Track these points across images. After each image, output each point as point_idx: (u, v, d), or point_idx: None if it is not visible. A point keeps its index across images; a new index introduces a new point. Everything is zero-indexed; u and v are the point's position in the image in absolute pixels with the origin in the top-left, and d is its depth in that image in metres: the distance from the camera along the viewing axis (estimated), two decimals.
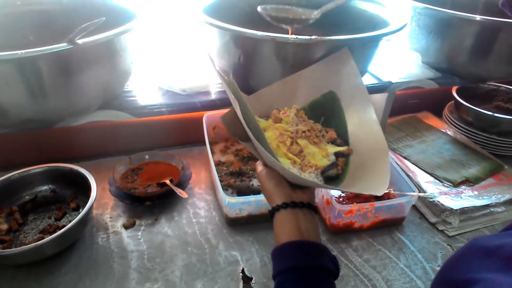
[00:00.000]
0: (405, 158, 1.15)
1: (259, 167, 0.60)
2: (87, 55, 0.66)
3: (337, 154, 0.62)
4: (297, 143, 0.59)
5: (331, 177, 0.59)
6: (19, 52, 0.58)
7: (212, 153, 1.14)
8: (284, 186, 0.55)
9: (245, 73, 0.78)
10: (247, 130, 0.53)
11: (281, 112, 0.64)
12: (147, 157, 1.08)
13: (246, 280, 0.80)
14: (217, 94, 0.81)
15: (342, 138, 0.65)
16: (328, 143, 0.63)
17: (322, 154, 0.60)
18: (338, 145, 0.63)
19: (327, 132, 0.65)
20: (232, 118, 0.58)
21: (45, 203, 0.97)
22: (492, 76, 0.98)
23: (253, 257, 0.85)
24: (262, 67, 0.75)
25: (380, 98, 1.11)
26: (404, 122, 1.34)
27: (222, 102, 0.79)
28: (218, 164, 1.09)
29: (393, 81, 0.91)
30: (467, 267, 0.39)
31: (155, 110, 0.76)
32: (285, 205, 0.53)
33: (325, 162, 0.59)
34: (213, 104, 0.79)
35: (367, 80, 0.90)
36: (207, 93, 0.82)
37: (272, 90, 0.67)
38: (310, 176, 0.57)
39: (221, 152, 1.15)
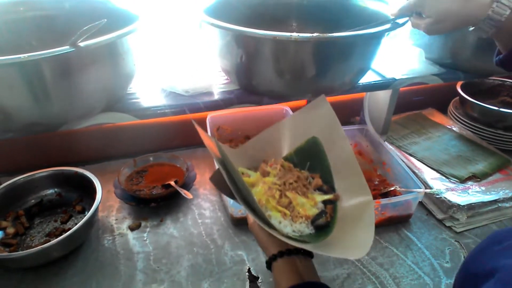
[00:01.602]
0: (410, 155, 1.14)
1: (250, 219, 0.61)
2: (90, 58, 0.66)
3: (325, 201, 0.64)
4: (285, 195, 0.61)
5: (322, 226, 0.60)
6: (22, 56, 0.58)
7: None
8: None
9: (248, 72, 0.78)
10: (234, 192, 0.54)
11: (268, 164, 0.66)
12: (151, 159, 1.08)
13: (253, 279, 0.80)
14: (220, 95, 0.80)
15: (328, 183, 0.67)
16: (315, 190, 0.66)
17: (311, 204, 0.62)
18: (325, 192, 0.66)
19: (313, 178, 0.67)
20: (219, 178, 0.59)
21: (51, 207, 0.98)
22: (497, 70, 0.97)
23: (259, 257, 0.85)
24: (264, 66, 0.75)
25: (384, 95, 1.10)
26: (409, 119, 1.33)
27: (225, 102, 0.79)
28: None
29: (397, 78, 0.90)
30: (488, 259, 0.39)
31: (159, 112, 0.76)
32: (281, 254, 0.53)
33: (314, 211, 0.61)
34: (216, 105, 0.79)
35: (370, 77, 0.89)
36: (210, 93, 0.81)
37: (258, 141, 0.70)
38: (299, 226, 0.59)
39: None
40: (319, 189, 0.66)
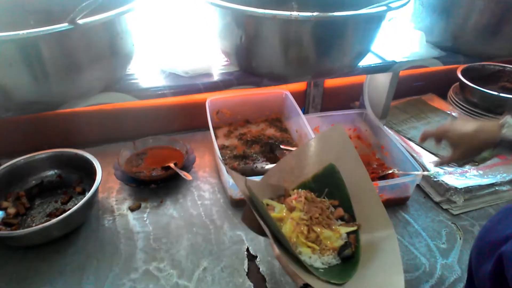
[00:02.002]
0: (409, 139, 1.14)
1: (276, 251, 0.63)
2: (88, 36, 0.65)
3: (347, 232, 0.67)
4: (313, 230, 0.64)
5: (348, 257, 0.63)
6: (21, 32, 0.58)
7: (216, 137, 1.14)
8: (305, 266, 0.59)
9: (247, 53, 0.77)
10: (265, 228, 0.57)
11: (293, 198, 0.68)
12: (151, 141, 1.09)
13: (251, 258, 0.81)
14: (219, 76, 0.80)
15: (348, 211, 0.70)
16: (337, 219, 0.68)
17: (336, 236, 0.64)
18: (346, 221, 0.69)
19: (334, 208, 0.70)
20: (250, 216, 0.63)
21: (51, 188, 0.99)
22: (498, 54, 0.96)
23: (258, 237, 0.86)
24: (264, 47, 0.74)
25: (384, 80, 1.10)
26: (409, 104, 1.33)
27: (224, 84, 0.79)
28: (222, 148, 1.09)
29: (397, 61, 0.90)
30: (505, 227, 0.41)
31: (158, 92, 0.76)
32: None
33: (339, 243, 0.64)
34: (216, 86, 0.78)
35: (371, 60, 0.89)
36: (209, 75, 0.81)
37: (277, 170, 0.72)
38: (327, 258, 0.62)
39: (224, 137, 1.15)
40: (341, 218, 0.69)
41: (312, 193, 0.71)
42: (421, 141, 0.83)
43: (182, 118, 1.22)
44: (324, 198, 0.72)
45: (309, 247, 0.62)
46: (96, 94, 0.74)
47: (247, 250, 0.83)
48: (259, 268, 0.79)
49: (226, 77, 0.81)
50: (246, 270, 0.78)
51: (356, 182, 0.70)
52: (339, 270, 0.62)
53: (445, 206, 0.94)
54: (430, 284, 0.76)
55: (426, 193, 0.98)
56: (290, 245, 0.58)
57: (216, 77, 0.80)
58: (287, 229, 0.64)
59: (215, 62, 0.86)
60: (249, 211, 0.63)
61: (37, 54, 0.62)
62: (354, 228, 0.67)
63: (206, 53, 0.86)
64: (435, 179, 0.96)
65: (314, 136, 0.74)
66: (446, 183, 0.94)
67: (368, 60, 0.89)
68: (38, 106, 0.70)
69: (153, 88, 0.77)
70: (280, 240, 0.59)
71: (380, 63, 0.90)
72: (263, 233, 0.63)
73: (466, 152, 0.72)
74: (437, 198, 0.95)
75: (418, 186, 1.00)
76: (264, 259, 0.81)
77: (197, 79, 0.79)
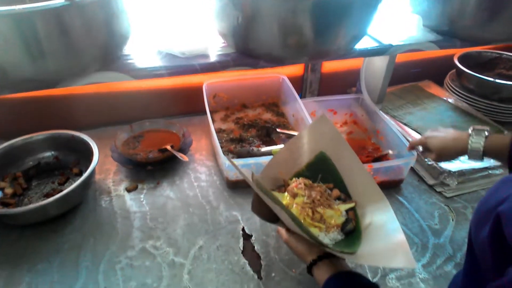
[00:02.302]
0: (405, 124, 1.15)
1: (284, 235, 0.68)
2: (84, 13, 0.65)
3: (346, 209, 0.72)
4: (316, 211, 0.68)
5: (350, 231, 0.68)
6: (16, 7, 0.58)
7: (213, 121, 1.15)
8: (314, 244, 0.64)
9: (244, 35, 0.77)
10: (278, 212, 0.61)
11: (293, 185, 0.72)
12: (148, 124, 1.09)
13: (246, 237, 0.82)
14: (217, 57, 0.80)
15: (343, 191, 0.75)
16: (335, 200, 0.73)
17: (338, 214, 0.70)
18: (343, 200, 0.74)
19: (331, 190, 0.75)
20: (257, 205, 0.69)
21: (48, 169, 0.99)
22: (495, 38, 0.97)
23: (253, 217, 0.87)
24: (261, 28, 0.74)
25: (381, 65, 1.10)
26: (405, 90, 1.33)
27: (221, 65, 0.79)
28: (218, 131, 1.10)
29: (394, 44, 0.90)
30: (500, 194, 0.43)
31: (154, 72, 0.76)
32: (320, 258, 0.61)
33: (341, 220, 0.69)
34: (213, 67, 0.79)
35: (367, 43, 0.89)
36: (206, 56, 0.81)
37: (273, 164, 0.77)
38: (333, 235, 0.67)
39: (221, 120, 1.15)
40: (338, 198, 0.74)
41: (310, 181, 0.75)
42: (409, 150, 0.91)
43: (179, 102, 1.22)
44: (319, 183, 0.76)
45: (316, 227, 0.67)
46: (92, 73, 0.74)
47: (243, 229, 0.84)
48: (254, 246, 0.80)
49: (223, 58, 0.81)
50: (241, 249, 0.79)
51: (347, 165, 0.76)
52: (346, 243, 0.66)
53: (438, 189, 0.95)
54: (422, 263, 0.78)
55: (420, 176, 0.99)
56: (302, 223, 0.62)
57: (213, 58, 0.80)
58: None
59: (213, 44, 0.86)
60: (257, 201, 0.69)
61: (32, 30, 0.62)
62: (352, 205, 0.72)
63: (203, 34, 0.86)
64: (429, 162, 0.97)
65: (302, 130, 0.78)
66: (440, 167, 0.95)
67: (365, 43, 0.89)
68: (34, 84, 0.71)
69: (150, 68, 0.77)
70: (289, 223, 0.62)
71: (376, 47, 0.90)
72: (272, 220, 0.69)
73: (443, 157, 0.84)
74: (431, 181, 0.97)
75: (412, 169, 1.01)
76: (259, 238, 0.82)
77: (193, 59, 0.79)
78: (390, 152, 0.97)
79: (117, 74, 0.75)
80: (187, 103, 1.22)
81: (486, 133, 0.75)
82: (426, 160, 0.98)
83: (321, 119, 0.77)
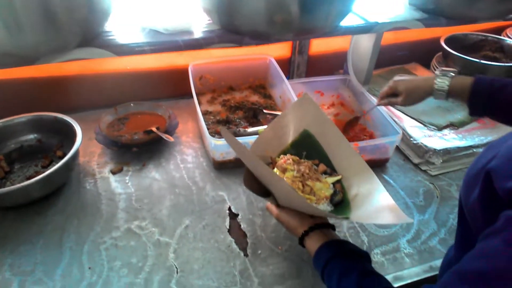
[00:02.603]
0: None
1: (275, 210, 0.69)
2: None
3: (333, 182, 0.74)
4: (306, 184, 0.70)
5: (338, 202, 0.71)
6: None
7: (199, 103, 1.14)
8: (305, 217, 0.65)
9: (229, 11, 0.76)
10: (274, 184, 0.61)
11: (282, 161, 0.74)
12: (133, 106, 1.07)
13: (233, 216, 0.82)
14: (201, 34, 0.79)
15: (329, 166, 0.77)
16: (321, 174, 0.75)
17: (326, 186, 0.72)
18: (330, 174, 0.76)
19: (317, 166, 0.77)
20: (249, 179, 0.69)
21: (31, 152, 0.97)
22: (480, 16, 0.97)
23: (240, 196, 0.87)
24: (246, 3, 0.73)
25: (367, 45, 1.10)
26: (392, 72, 1.33)
27: (206, 41, 0.77)
28: (205, 113, 1.09)
29: (380, 21, 0.89)
30: (486, 156, 0.44)
31: (136, 49, 0.74)
32: (311, 229, 0.63)
33: (330, 192, 0.71)
34: (197, 43, 0.77)
35: (352, 20, 0.89)
36: (190, 32, 0.79)
37: (259, 143, 0.77)
38: (323, 206, 0.70)
39: (208, 103, 1.14)
40: (325, 173, 0.76)
41: (297, 157, 0.76)
42: (380, 101, 0.93)
43: (166, 85, 1.20)
44: (304, 160, 0.77)
45: (307, 199, 0.69)
46: (73, 49, 0.72)
47: (229, 208, 0.84)
48: (240, 225, 0.80)
49: (208, 34, 0.79)
50: (228, 227, 0.79)
51: (331, 141, 0.77)
52: (336, 213, 0.69)
53: (423, 168, 0.96)
54: (407, 238, 0.79)
55: (406, 156, 1.00)
56: (296, 191, 0.65)
57: (197, 35, 0.79)
58: None
59: (197, 21, 0.84)
60: (248, 176, 0.69)
61: (9, 1, 0.59)
62: (339, 177, 0.75)
63: (187, 10, 0.84)
64: (414, 142, 0.98)
65: (285, 109, 0.79)
66: (425, 145, 0.96)
67: (351, 21, 0.88)
68: (13, 59, 0.68)
69: (132, 44, 0.75)
70: (285, 195, 0.63)
71: (362, 24, 0.89)
72: (263, 194, 0.70)
73: (411, 99, 0.86)
74: (416, 160, 0.97)
75: (398, 149, 1.02)
76: (246, 217, 0.82)
77: (177, 36, 0.77)
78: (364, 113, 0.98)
79: (98, 50, 0.73)
80: (174, 86, 1.20)
81: (452, 74, 0.79)
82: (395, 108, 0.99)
83: (304, 98, 0.78)
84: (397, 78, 0.89)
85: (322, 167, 0.76)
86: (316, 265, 0.60)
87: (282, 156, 0.76)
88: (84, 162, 0.97)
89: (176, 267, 0.71)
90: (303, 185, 0.70)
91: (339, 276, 0.55)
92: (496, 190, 0.39)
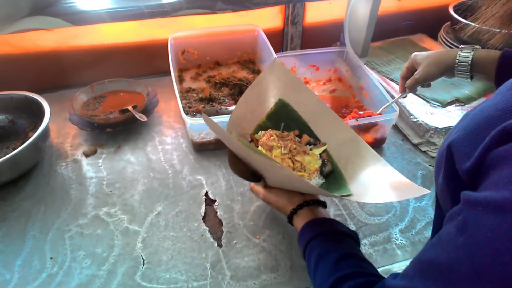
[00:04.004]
0: (392, 80, 1.05)
1: (261, 190, 0.66)
2: None
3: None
4: (296, 160, 0.66)
5: (329, 173, 0.67)
6: None
7: (182, 80, 1.06)
8: (295, 194, 0.62)
9: None
10: (262, 165, 0.56)
11: (265, 138, 0.68)
12: (110, 84, 1.00)
13: (210, 202, 0.75)
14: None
15: (311, 136, 0.71)
16: (306, 145, 0.70)
17: (314, 159, 0.68)
18: (314, 144, 0.71)
19: (299, 136, 0.71)
20: (233, 163, 0.64)
21: (3, 134, 0.92)
22: None
23: (219, 180, 0.80)
24: None
25: (365, 12, 0.99)
26: (395, 44, 1.22)
27: (173, 8, 0.69)
28: (188, 91, 1.01)
29: None
30: (453, 131, 0.40)
31: (95, 16, 0.67)
32: (300, 206, 0.60)
33: (318, 163, 0.68)
34: (162, 10, 0.69)
35: None
36: None
37: (233, 119, 0.69)
38: (315, 180, 0.66)
39: (192, 79, 1.06)
40: (308, 143, 0.71)
41: (278, 131, 0.70)
42: (402, 86, 0.85)
43: (147, 61, 1.12)
44: (282, 131, 0.71)
45: (300, 176, 0.65)
46: (23, 17, 0.64)
47: (206, 194, 0.77)
48: (216, 212, 0.73)
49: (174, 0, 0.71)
50: (203, 215, 0.73)
51: (309, 108, 0.72)
52: (329, 186, 0.66)
53: (424, 148, 0.87)
54: (399, 227, 0.71)
55: (405, 135, 0.91)
56: (294, 173, 0.62)
57: (163, 0, 0.70)
58: None
59: None
60: (232, 159, 0.64)
61: None
62: (325, 147, 0.70)
63: None
64: (414, 120, 0.89)
65: (255, 79, 0.71)
66: (426, 124, 0.87)
67: None
68: None
69: (91, 12, 0.67)
70: (277, 176, 0.59)
71: None
72: (249, 178, 0.66)
73: (430, 73, 0.77)
74: (416, 140, 0.88)
75: (397, 128, 0.93)
76: (223, 203, 0.75)
77: (140, 1, 0.69)
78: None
79: (51, 19, 0.66)
80: (157, 62, 1.12)
81: (476, 46, 0.72)
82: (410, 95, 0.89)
83: (274, 65, 0.71)
84: (416, 53, 0.81)
85: (305, 138, 0.71)
86: (300, 244, 0.57)
87: (262, 132, 0.70)
88: (57, 144, 0.91)
89: (143, 258, 0.66)
90: (293, 162, 0.66)
91: (317, 258, 0.52)
92: (457, 168, 0.35)
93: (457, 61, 0.72)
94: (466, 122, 0.36)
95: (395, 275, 0.39)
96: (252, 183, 0.68)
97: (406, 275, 0.36)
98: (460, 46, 0.74)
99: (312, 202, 0.60)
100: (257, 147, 0.68)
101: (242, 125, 0.71)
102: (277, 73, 0.70)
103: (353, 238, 0.55)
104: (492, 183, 0.29)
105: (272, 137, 0.68)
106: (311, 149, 0.69)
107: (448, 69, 0.75)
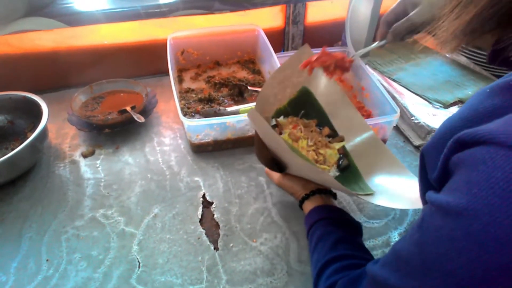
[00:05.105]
0: (394, 80, 1.04)
1: (276, 176, 0.68)
2: None
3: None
4: (319, 153, 0.68)
5: (345, 167, 0.68)
6: None
7: (181, 80, 1.05)
8: (310, 182, 0.64)
9: None
10: (283, 147, 0.55)
11: (292, 127, 0.70)
12: (109, 85, 1.00)
13: (207, 205, 0.75)
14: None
15: (329, 127, 0.73)
16: (325, 137, 0.72)
17: (335, 153, 0.70)
18: (333, 137, 0.72)
19: (321, 129, 0.73)
20: (259, 149, 0.65)
21: (2, 134, 0.92)
22: None
23: (217, 182, 0.79)
24: None
25: (366, 11, 0.98)
26: (397, 44, 1.20)
27: (169, 8, 0.69)
28: (187, 91, 1.00)
29: None
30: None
31: (92, 18, 0.66)
32: (312, 193, 0.62)
33: (337, 157, 0.70)
34: (159, 11, 0.68)
35: None
36: None
37: (261, 99, 0.70)
38: (332, 173, 0.67)
39: (191, 79, 1.05)
40: (328, 136, 0.72)
41: (305, 120, 0.73)
42: (382, 33, 0.69)
43: (147, 61, 1.11)
44: (308, 121, 0.74)
45: (323, 169, 0.66)
46: (19, 18, 0.64)
47: (203, 196, 0.76)
48: (213, 215, 0.73)
49: (171, 0, 0.70)
50: (200, 217, 0.72)
51: (331, 99, 0.72)
52: (345, 180, 0.66)
53: None
54: (399, 231, 0.70)
55: (406, 137, 0.90)
56: (313, 162, 0.64)
57: (159, 1, 0.69)
58: None
59: None
60: (259, 146, 0.65)
61: None
62: (344, 143, 0.71)
63: None
64: (416, 121, 0.87)
65: (283, 62, 0.70)
66: (427, 125, 0.85)
67: None
68: None
69: (87, 13, 0.67)
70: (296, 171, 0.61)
71: None
72: (272, 167, 0.67)
73: (431, 11, 0.60)
74: (417, 142, 0.87)
75: (398, 129, 0.92)
76: (220, 205, 0.74)
77: (137, 2, 0.68)
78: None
79: (47, 21, 0.66)
80: (156, 62, 1.11)
81: None
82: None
83: (303, 50, 0.70)
84: None
85: (326, 130, 0.72)
86: (305, 225, 0.60)
87: (288, 119, 0.72)
88: (56, 145, 0.90)
89: (138, 261, 0.65)
90: (316, 154, 0.68)
91: (318, 238, 0.55)
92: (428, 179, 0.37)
93: None
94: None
95: (376, 261, 0.41)
96: (266, 168, 0.71)
97: (382, 263, 0.39)
98: None
99: (324, 191, 0.64)
100: (280, 133, 0.70)
101: (264, 107, 0.71)
102: (305, 58, 0.69)
103: (356, 228, 0.58)
104: (446, 188, 0.32)
105: (299, 127, 0.70)
106: (330, 142, 0.71)
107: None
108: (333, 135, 0.72)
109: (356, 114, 0.70)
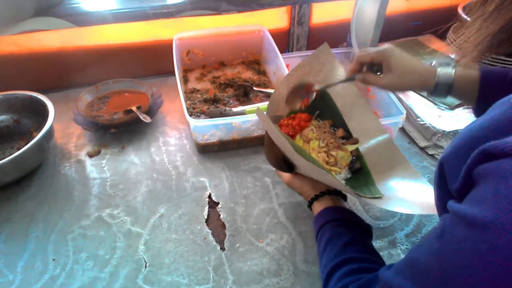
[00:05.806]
0: None
1: (286, 175, 0.67)
2: None
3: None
4: (331, 154, 0.68)
5: (357, 170, 0.68)
6: None
7: (187, 80, 1.05)
8: (320, 182, 0.63)
9: None
10: (291, 149, 0.55)
11: (305, 130, 0.69)
12: (114, 84, 1.00)
13: (213, 205, 0.75)
14: (171, 0, 0.70)
15: (344, 129, 0.72)
16: (339, 139, 0.71)
17: (347, 155, 0.69)
18: (347, 138, 0.71)
19: (335, 129, 0.72)
20: (269, 148, 0.64)
21: (9, 134, 0.92)
22: None
23: (223, 183, 0.79)
24: None
25: (372, 12, 0.98)
26: (404, 45, 1.20)
27: (177, 9, 0.69)
28: (192, 91, 1.00)
29: None
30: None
31: (99, 18, 0.66)
32: (322, 194, 0.62)
33: (350, 159, 0.69)
34: (167, 11, 0.69)
35: None
36: None
37: (272, 99, 0.70)
38: (343, 174, 0.67)
39: (196, 80, 1.05)
40: (342, 137, 0.71)
41: (317, 121, 0.72)
42: (353, 70, 0.68)
43: (153, 61, 1.11)
44: (316, 119, 0.73)
45: (332, 171, 0.66)
46: (27, 18, 0.64)
47: (209, 196, 0.76)
48: (219, 215, 0.73)
49: (179, 0, 0.70)
50: (206, 217, 0.72)
51: (347, 100, 0.71)
52: (356, 183, 0.66)
53: (431, 152, 0.86)
54: (405, 232, 0.70)
55: (412, 138, 0.90)
56: (319, 163, 0.61)
57: (167, 1, 0.70)
58: None
59: None
60: (270, 147, 0.64)
61: None
62: (358, 145, 0.70)
63: None
64: (421, 122, 0.87)
65: (303, 60, 0.70)
66: (433, 127, 0.85)
67: None
68: None
69: (95, 13, 0.67)
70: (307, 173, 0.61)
71: None
72: (281, 167, 0.66)
73: (402, 83, 0.63)
74: (423, 143, 0.87)
75: (403, 130, 0.92)
76: (226, 206, 0.74)
77: (144, 2, 0.69)
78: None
79: (56, 20, 0.66)
80: (162, 63, 1.11)
81: (453, 64, 0.61)
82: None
83: (323, 49, 0.70)
84: (391, 46, 0.63)
85: (341, 131, 0.71)
86: (314, 227, 0.60)
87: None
88: (61, 144, 0.91)
89: (145, 261, 0.65)
90: (327, 156, 0.67)
91: (327, 240, 0.54)
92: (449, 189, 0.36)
93: (437, 79, 0.60)
94: (456, 140, 0.36)
95: (389, 266, 0.40)
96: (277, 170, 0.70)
97: (395, 270, 0.37)
98: (433, 62, 0.63)
99: (334, 192, 0.63)
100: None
101: (278, 107, 0.71)
102: (323, 58, 0.69)
103: (367, 231, 0.57)
104: (470, 198, 0.31)
105: (310, 128, 0.69)
106: (343, 143, 0.70)
107: (423, 86, 0.62)
108: (348, 136, 0.71)
109: (372, 116, 0.69)
